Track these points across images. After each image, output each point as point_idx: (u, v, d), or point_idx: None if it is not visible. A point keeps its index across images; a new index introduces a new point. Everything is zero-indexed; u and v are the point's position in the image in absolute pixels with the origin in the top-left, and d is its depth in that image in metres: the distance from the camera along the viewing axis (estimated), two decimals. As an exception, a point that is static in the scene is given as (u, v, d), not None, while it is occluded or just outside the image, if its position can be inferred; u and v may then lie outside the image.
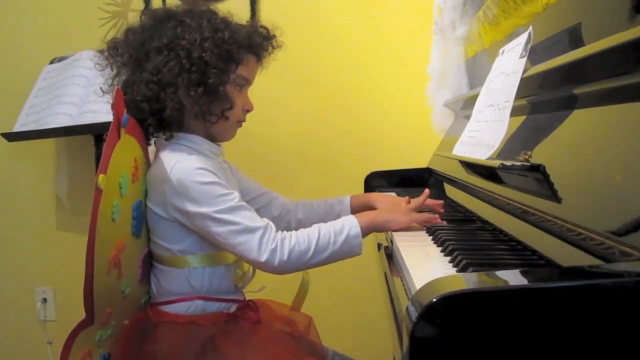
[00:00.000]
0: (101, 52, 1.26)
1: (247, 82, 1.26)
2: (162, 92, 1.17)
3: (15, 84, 2.14)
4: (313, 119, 2.13)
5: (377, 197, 1.41)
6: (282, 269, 1.13)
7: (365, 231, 1.18)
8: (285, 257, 1.11)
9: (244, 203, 1.16)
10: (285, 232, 1.15)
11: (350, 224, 1.16)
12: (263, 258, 1.11)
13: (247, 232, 1.12)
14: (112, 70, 1.24)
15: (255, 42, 1.24)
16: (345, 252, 1.16)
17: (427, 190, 1.27)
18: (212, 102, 1.19)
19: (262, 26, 1.27)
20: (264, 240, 1.11)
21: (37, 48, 2.17)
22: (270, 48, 1.27)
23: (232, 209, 1.13)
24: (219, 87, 1.18)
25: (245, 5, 2.08)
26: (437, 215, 1.22)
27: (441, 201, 1.31)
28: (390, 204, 1.34)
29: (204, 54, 1.16)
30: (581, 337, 0.55)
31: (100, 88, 1.27)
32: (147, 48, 1.20)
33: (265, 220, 1.15)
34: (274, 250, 1.11)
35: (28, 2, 2.22)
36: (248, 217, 1.13)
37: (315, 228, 1.16)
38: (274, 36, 1.28)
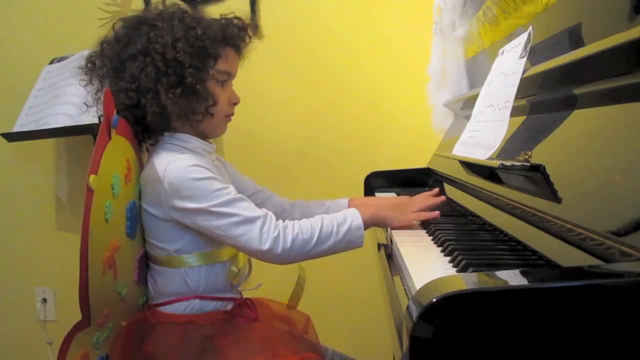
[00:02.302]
0: (80, 67, 1.26)
1: (229, 75, 1.25)
2: (143, 98, 1.17)
3: (15, 84, 2.14)
4: (313, 119, 2.13)
5: (376, 201, 1.41)
6: (285, 257, 1.13)
7: (367, 224, 1.18)
8: (288, 245, 1.11)
9: (240, 195, 1.16)
10: (287, 220, 1.15)
11: (352, 216, 1.17)
12: (265, 246, 1.11)
13: (246, 222, 1.12)
14: (92, 84, 1.25)
15: (230, 34, 1.23)
16: (347, 243, 1.16)
17: (442, 197, 1.30)
18: (194, 101, 1.19)
19: (236, 17, 1.26)
20: (265, 229, 1.11)
21: (37, 48, 2.17)
22: (247, 38, 1.27)
23: (229, 202, 1.13)
24: (197, 85, 1.17)
25: (245, 6, 2.08)
26: (437, 213, 1.22)
27: (442, 197, 1.31)
28: (392, 203, 1.34)
29: (178, 55, 1.16)
30: (581, 337, 0.55)
31: (85, 103, 1.27)
32: (123, 57, 1.20)
33: (264, 210, 1.15)
34: (276, 239, 1.11)
35: (28, 2, 2.22)
36: (246, 208, 1.13)
37: (318, 218, 1.16)
38: (249, 25, 1.27)
